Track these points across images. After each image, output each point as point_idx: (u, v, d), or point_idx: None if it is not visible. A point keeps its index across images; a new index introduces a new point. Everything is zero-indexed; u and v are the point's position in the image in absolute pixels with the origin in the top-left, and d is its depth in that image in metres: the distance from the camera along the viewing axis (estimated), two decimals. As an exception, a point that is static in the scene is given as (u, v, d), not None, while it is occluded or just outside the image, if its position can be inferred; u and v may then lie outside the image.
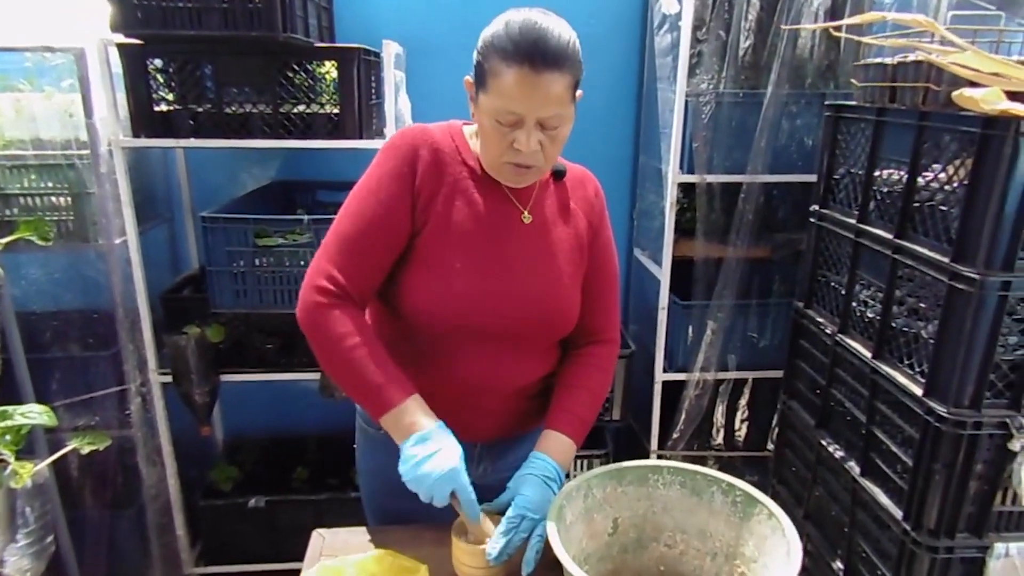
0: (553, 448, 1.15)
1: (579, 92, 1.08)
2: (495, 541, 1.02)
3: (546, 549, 1.00)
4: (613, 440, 2.57)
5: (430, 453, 1.03)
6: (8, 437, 1.43)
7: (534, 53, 0.98)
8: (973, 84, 1.29)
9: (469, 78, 1.09)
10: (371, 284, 1.13)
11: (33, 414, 1.45)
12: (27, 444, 1.59)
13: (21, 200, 1.94)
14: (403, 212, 1.10)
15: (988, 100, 1.20)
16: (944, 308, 1.35)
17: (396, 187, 1.10)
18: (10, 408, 1.45)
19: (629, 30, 2.42)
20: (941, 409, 1.34)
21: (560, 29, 1.01)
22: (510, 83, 0.99)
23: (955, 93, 1.28)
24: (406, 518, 1.27)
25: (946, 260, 1.34)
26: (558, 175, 1.22)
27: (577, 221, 1.21)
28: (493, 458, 1.29)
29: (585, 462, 2.44)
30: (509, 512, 1.05)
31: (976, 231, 1.28)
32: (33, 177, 1.93)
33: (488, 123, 1.05)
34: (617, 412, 2.42)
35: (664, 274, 2.21)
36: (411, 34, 2.28)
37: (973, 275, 1.27)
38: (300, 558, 1.19)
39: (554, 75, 0.99)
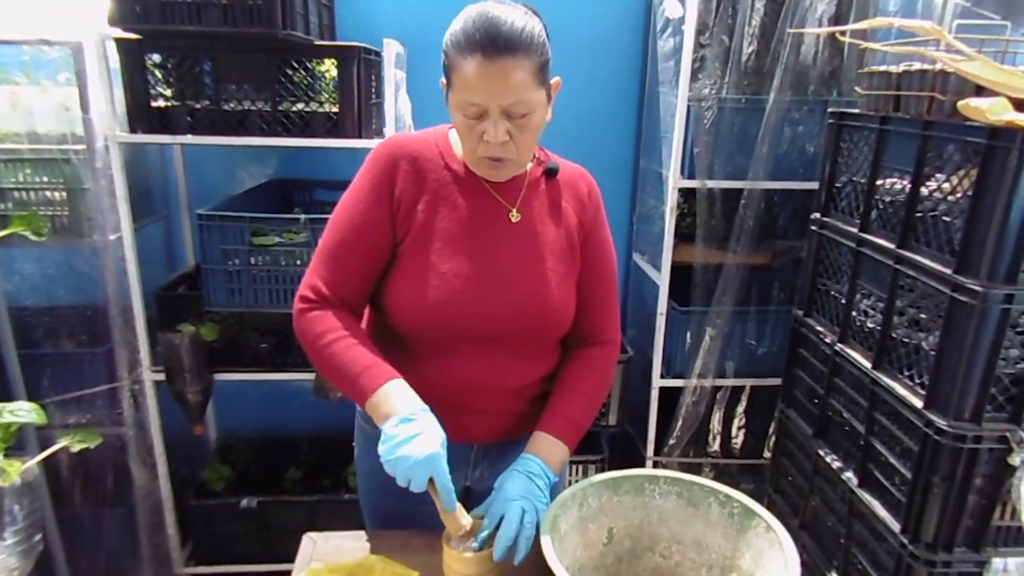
0: (541, 449, 1.14)
1: (556, 79, 1.09)
2: (498, 542, 1.01)
3: (540, 557, 0.99)
4: (609, 445, 2.56)
5: (410, 435, 0.99)
6: (-3, 434, 1.41)
7: (485, 41, 0.99)
8: (979, 94, 1.28)
9: (443, 79, 1.10)
10: (356, 292, 1.16)
11: (22, 412, 1.43)
12: (17, 441, 1.56)
13: (15, 194, 1.92)
14: (382, 222, 1.13)
15: (994, 110, 1.19)
16: (946, 320, 1.33)
17: (374, 198, 1.13)
18: (-1, 405, 1.43)
19: (631, 34, 2.41)
20: (941, 422, 1.33)
21: (514, 16, 1.02)
22: (467, 74, 1.01)
23: (961, 103, 1.27)
24: (402, 518, 1.26)
25: (948, 271, 1.33)
26: (550, 173, 1.21)
27: (568, 220, 1.20)
28: (491, 461, 1.27)
29: (581, 467, 2.43)
30: (492, 507, 1.05)
31: (979, 243, 1.27)
32: (28, 171, 1.92)
33: (458, 119, 1.07)
34: (613, 417, 2.41)
35: (663, 279, 2.20)
36: (412, 33, 2.27)
37: (976, 287, 1.26)
38: (291, 559, 1.18)
39: (508, 61, 1.00)
